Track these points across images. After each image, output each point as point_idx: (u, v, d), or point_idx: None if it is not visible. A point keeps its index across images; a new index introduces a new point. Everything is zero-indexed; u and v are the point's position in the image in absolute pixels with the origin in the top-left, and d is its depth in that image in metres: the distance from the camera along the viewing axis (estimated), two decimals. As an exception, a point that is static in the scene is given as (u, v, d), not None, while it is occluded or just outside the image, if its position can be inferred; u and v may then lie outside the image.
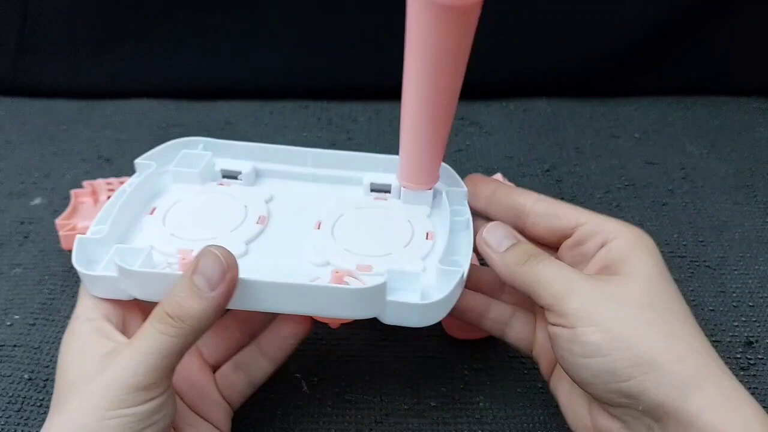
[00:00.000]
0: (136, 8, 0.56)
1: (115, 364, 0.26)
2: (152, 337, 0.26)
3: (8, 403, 0.35)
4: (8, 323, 0.39)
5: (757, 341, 0.40)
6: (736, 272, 0.44)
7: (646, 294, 0.27)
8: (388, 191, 0.37)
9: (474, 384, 0.37)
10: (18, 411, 0.35)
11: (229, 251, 0.27)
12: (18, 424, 0.35)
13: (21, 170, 0.51)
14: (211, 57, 0.58)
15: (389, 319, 0.29)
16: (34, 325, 0.39)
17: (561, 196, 0.49)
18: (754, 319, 0.41)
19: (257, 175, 0.38)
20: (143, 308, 0.31)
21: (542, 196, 0.32)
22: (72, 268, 0.42)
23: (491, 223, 0.31)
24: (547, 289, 0.28)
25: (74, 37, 0.57)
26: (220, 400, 0.33)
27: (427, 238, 0.34)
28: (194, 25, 0.57)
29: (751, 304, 0.42)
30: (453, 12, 0.24)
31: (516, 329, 0.33)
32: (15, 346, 0.38)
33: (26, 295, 0.41)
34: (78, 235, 0.31)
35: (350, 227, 0.35)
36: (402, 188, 0.36)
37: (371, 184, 0.37)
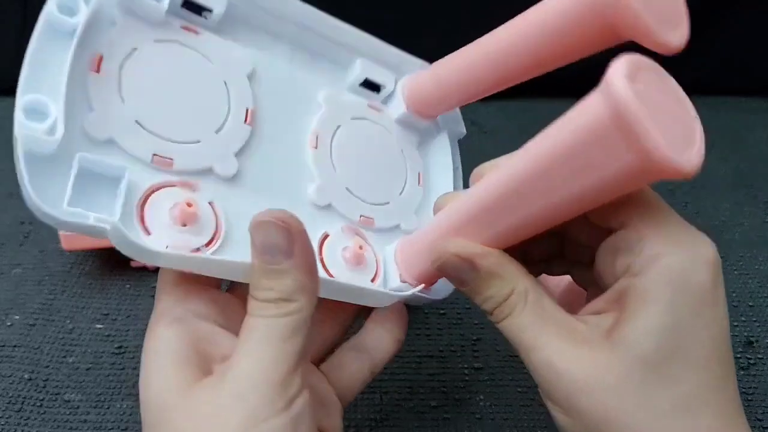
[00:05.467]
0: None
1: (233, 372, 0.21)
2: (263, 326, 0.22)
3: (8, 403, 0.35)
4: (8, 323, 0.39)
5: (757, 341, 0.40)
6: (736, 272, 0.44)
7: (635, 370, 0.21)
8: (378, 91, 0.33)
9: (474, 384, 0.37)
10: (18, 411, 0.35)
11: (276, 211, 0.22)
12: (18, 424, 0.35)
13: (21, 170, 0.51)
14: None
15: (407, 301, 0.29)
16: (34, 325, 0.39)
17: (561, 196, 0.49)
18: (754, 319, 0.41)
19: (229, 11, 0.29)
20: (239, 293, 0.25)
21: None
22: (72, 268, 0.43)
23: (446, 250, 0.24)
24: (522, 358, 0.23)
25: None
26: (333, 397, 0.27)
27: (418, 183, 0.33)
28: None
29: (751, 304, 0.42)
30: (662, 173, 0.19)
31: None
32: (15, 346, 0.38)
33: (26, 295, 0.41)
34: (19, 133, 0.22)
35: (348, 151, 0.31)
36: (401, 107, 0.32)
37: (365, 79, 0.32)
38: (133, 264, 0.42)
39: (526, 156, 0.22)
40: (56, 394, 0.36)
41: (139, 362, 0.37)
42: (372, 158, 0.32)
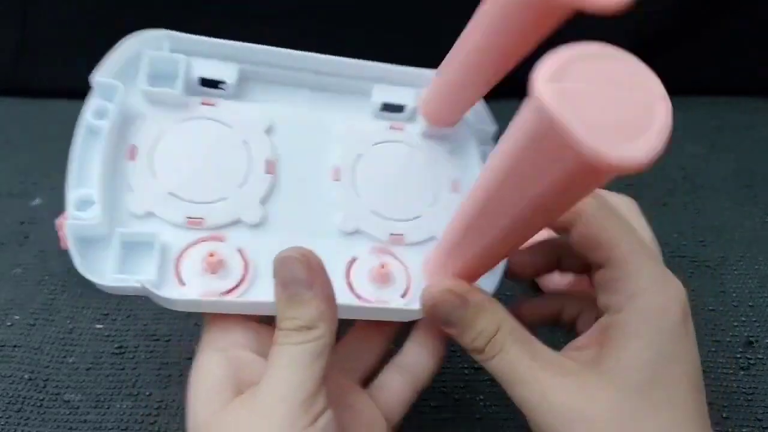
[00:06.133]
0: (135, 8, 0.56)
1: (262, 392, 0.24)
2: (289, 353, 0.24)
3: (8, 403, 0.35)
4: (8, 323, 0.39)
5: (757, 341, 0.40)
6: (736, 272, 0.44)
7: (625, 399, 0.23)
8: (402, 111, 0.34)
9: (474, 384, 0.37)
10: (18, 411, 0.35)
11: (297, 248, 0.25)
12: (18, 424, 0.35)
13: (21, 170, 0.51)
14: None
15: None
16: (34, 325, 0.39)
17: (561, 196, 0.49)
18: (754, 319, 0.41)
19: (242, 77, 0.32)
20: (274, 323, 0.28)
21: (596, 206, 0.26)
22: (72, 268, 0.42)
23: (436, 289, 0.26)
24: (513, 394, 0.25)
25: (74, 38, 0.57)
26: (379, 417, 0.28)
27: (454, 191, 0.33)
28: (193, 25, 0.57)
29: (751, 304, 0.42)
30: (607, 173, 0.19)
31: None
32: (15, 346, 0.38)
33: (26, 295, 0.41)
34: (68, 223, 0.26)
35: (371, 176, 0.32)
36: (423, 121, 0.33)
37: (383, 103, 0.33)
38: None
39: (484, 172, 0.23)
40: (56, 394, 0.36)
41: (138, 362, 0.38)
42: (397, 177, 0.32)
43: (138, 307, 0.41)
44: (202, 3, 0.56)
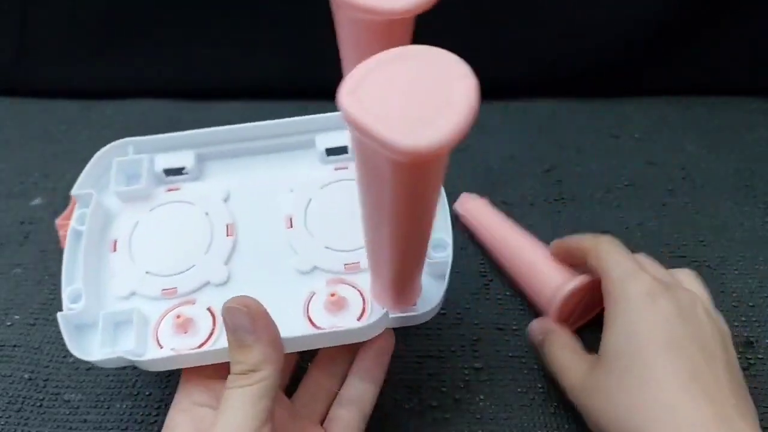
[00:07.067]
0: (136, 8, 0.56)
1: (215, 430, 0.27)
2: (236, 395, 0.27)
3: (8, 403, 0.35)
4: (8, 323, 0.39)
5: (757, 341, 0.40)
6: (736, 272, 0.44)
7: (597, 376, 0.32)
8: (345, 152, 0.37)
9: (474, 384, 0.37)
10: (18, 411, 0.35)
11: (240, 297, 0.27)
12: (18, 424, 0.35)
13: (21, 170, 0.51)
14: (211, 57, 0.58)
15: (395, 325, 0.32)
16: (34, 325, 0.39)
17: (561, 196, 0.49)
18: (754, 319, 0.41)
19: (200, 160, 0.37)
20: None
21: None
22: (72, 268, 0.43)
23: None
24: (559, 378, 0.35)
25: (74, 37, 0.57)
26: None
27: None
28: (194, 25, 0.57)
29: (751, 304, 0.42)
30: (409, 166, 0.20)
31: None
32: (15, 346, 0.38)
33: (26, 295, 0.41)
34: (59, 315, 0.31)
35: (322, 216, 0.35)
36: None
37: (326, 149, 0.37)
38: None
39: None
40: (56, 394, 0.36)
41: (139, 362, 0.37)
42: (346, 212, 0.35)
43: (138, 307, 0.41)
44: (198, 7, 0.56)
